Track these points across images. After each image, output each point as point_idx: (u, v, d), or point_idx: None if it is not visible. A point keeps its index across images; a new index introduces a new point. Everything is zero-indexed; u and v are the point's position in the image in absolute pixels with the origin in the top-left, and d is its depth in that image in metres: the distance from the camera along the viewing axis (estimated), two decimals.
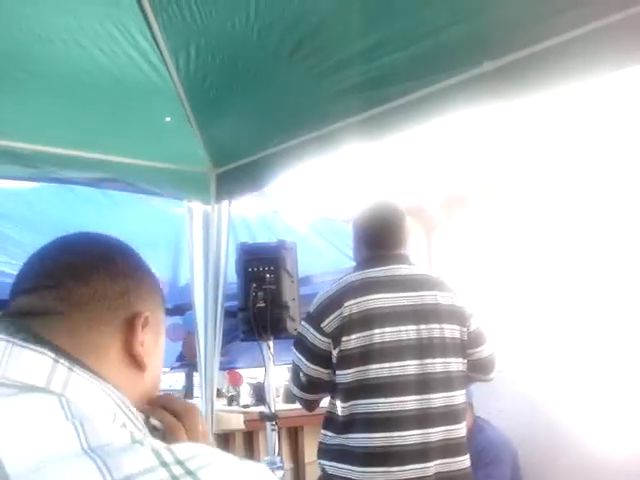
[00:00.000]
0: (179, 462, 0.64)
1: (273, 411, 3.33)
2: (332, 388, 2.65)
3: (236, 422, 3.94)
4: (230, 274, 3.69)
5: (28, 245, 4.64)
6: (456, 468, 2.60)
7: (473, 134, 3.43)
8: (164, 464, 0.63)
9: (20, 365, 0.73)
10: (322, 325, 2.59)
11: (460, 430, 2.63)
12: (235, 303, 3.73)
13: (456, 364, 2.64)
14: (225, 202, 3.62)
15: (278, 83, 2.90)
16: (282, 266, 3.44)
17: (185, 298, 6.13)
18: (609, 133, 3.45)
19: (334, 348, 2.57)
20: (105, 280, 0.88)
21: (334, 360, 2.58)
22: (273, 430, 3.33)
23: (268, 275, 3.41)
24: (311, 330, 2.63)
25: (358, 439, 2.52)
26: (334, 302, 2.61)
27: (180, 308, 6.59)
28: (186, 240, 3.76)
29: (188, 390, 8.45)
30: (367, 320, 2.55)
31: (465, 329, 2.68)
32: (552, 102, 2.82)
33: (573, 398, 3.76)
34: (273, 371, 3.50)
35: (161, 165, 3.41)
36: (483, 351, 2.75)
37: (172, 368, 8.80)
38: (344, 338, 2.54)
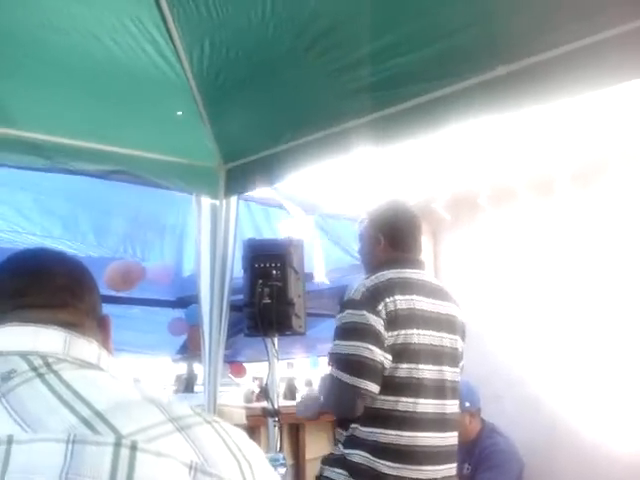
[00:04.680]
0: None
1: (276, 407, 3.33)
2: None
3: (238, 417, 3.95)
4: (236, 268, 3.70)
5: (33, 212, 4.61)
6: (454, 474, 2.65)
7: (483, 134, 3.43)
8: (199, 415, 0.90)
9: (78, 349, 0.98)
10: (377, 308, 2.47)
11: (457, 438, 2.69)
12: (240, 297, 3.74)
13: (459, 375, 2.73)
14: (234, 197, 3.63)
15: (291, 80, 2.90)
16: (289, 263, 3.45)
17: (188, 290, 6.16)
18: (619, 137, 3.44)
19: (387, 334, 2.48)
20: (92, 294, 1.12)
21: (386, 351, 2.48)
22: (275, 426, 3.34)
23: (274, 271, 3.41)
24: (365, 313, 2.48)
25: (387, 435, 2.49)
26: (381, 293, 2.52)
27: (183, 301, 6.62)
28: (191, 226, 3.76)
29: (190, 381, 8.52)
30: (410, 318, 2.53)
31: (464, 345, 2.77)
32: (564, 106, 2.81)
33: (576, 401, 3.77)
34: (277, 367, 3.51)
35: (171, 159, 3.43)
36: (461, 365, 2.81)
37: (174, 359, 8.86)
38: (390, 332, 2.48)
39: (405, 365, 2.50)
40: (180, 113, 3.19)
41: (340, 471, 2.53)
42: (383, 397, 2.50)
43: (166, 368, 10.24)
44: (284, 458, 2.56)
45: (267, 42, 2.70)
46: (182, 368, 9.21)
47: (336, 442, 2.66)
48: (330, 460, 2.62)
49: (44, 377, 0.89)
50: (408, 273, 2.65)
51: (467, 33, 2.24)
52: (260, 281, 3.38)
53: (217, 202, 3.60)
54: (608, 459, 3.56)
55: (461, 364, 2.77)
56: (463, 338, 2.76)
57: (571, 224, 3.84)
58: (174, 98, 3.13)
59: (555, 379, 3.86)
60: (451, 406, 2.63)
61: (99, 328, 1.10)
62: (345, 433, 2.58)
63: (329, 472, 2.57)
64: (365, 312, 2.48)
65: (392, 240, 2.74)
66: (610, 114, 3.19)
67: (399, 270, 2.64)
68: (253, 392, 9.77)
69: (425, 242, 4.53)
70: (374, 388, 2.46)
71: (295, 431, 4.51)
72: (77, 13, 2.57)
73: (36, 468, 0.78)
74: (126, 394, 0.89)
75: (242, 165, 3.51)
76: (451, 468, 2.62)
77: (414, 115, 2.64)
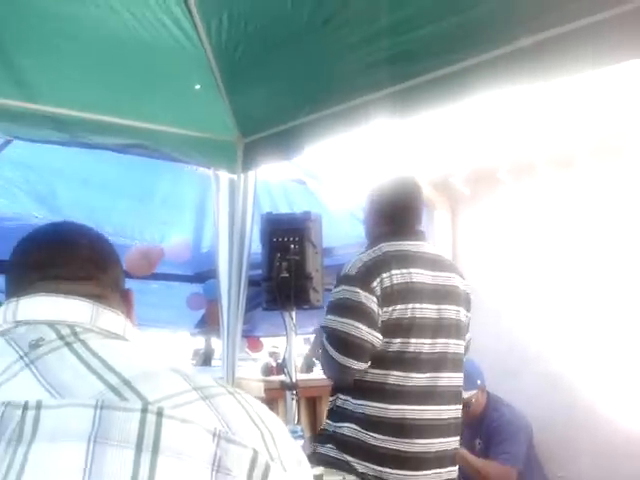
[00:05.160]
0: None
1: (294, 380, 3.35)
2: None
3: (257, 390, 3.98)
4: (254, 243, 3.71)
5: (57, 197, 4.65)
6: (453, 447, 2.64)
7: (502, 109, 3.40)
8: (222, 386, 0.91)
9: (105, 320, 1.00)
10: (372, 285, 2.47)
11: (460, 410, 2.68)
12: (258, 272, 3.76)
13: (463, 347, 2.71)
14: (252, 171, 3.62)
15: (309, 54, 2.89)
16: (307, 237, 3.46)
17: (205, 265, 6.20)
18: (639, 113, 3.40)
19: (381, 311, 2.47)
20: (116, 267, 1.13)
21: (379, 325, 2.48)
22: (293, 399, 3.37)
23: (292, 246, 3.42)
24: (359, 291, 2.48)
25: (387, 409, 2.50)
26: (377, 267, 2.51)
27: (201, 276, 6.67)
28: (210, 203, 3.77)
29: (207, 355, 8.58)
30: (406, 293, 2.51)
31: (469, 314, 2.75)
32: (584, 80, 2.77)
33: (594, 378, 3.76)
34: (295, 341, 3.52)
35: (189, 133, 3.42)
36: (468, 337, 2.81)
37: (192, 334, 8.93)
38: (384, 308, 2.47)
39: (398, 340, 2.49)
40: (198, 87, 3.18)
41: (330, 446, 2.54)
42: (375, 371, 2.51)
43: (184, 342, 10.31)
44: (302, 430, 2.57)
45: (285, 15, 2.68)
46: (200, 342, 9.28)
47: (328, 413, 2.68)
48: (321, 437, 2.64)
49: (72, 346, 0.90)
50: (406, 245, 2.62)
51: (487, 4, 2.21)
52: (278, 255, 3.39)
53: (235, 176, 3.59)
54: (626, 437, 3.56)
55: (468, 335, 2.76)
56: (468, 309, 2.72)
57: (591, 199, 3.80)
58: (192, 71, 3.13)
59: (573, 356, 3.85)
60: (450, 379, 2.60)
61: (122, 301, 1.11)
62: (337, 404, 2.60)
63: (320, 449, 2.58)
64: (359, 289, 2.48)
65: (390, 212, 2.72)
66: (630, 90, 3.14)
67: (397, 242, 2.62)
68: (271, 366, 9.83)
69: (443, 216, 4.55)
70: (360, 366, 2.48)
71: (312, 404, 4.54)
72: None
73: (65, 432, 0.79)
74: (151, 363, 0.91)
75: (260, 139, 3.50)
76: (449, 442, 2.59)
77: (433, 88, 2.61)
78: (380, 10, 2.47)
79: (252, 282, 3.77)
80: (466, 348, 2.80)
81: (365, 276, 2.49)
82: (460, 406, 2.67)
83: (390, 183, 2.79)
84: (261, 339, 9.43)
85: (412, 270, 2.55)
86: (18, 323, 0.95)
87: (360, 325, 2.46)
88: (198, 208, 5.32)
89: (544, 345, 3.95)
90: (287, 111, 3.25)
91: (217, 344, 8.20)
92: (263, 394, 3.97)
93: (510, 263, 4.18)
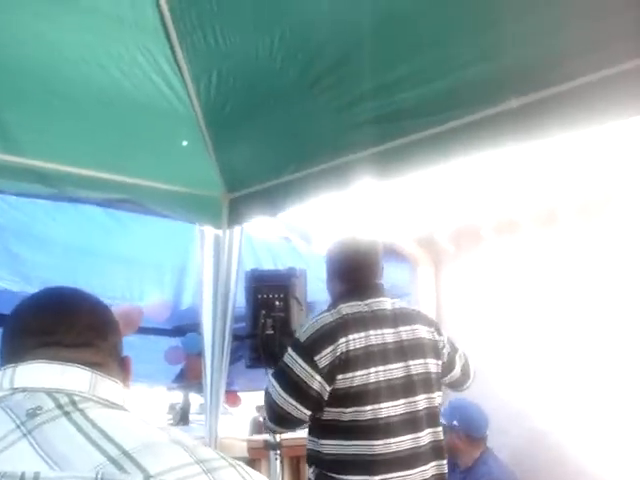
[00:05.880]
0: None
1: (278, 440, 3.30)
2: (315, 425, 2.57)
3: (239, 449, 3.91)
4: (238, 298, 3.69)
5: (34, 263, 4.64)
6: None
7: (486, 167, 3.44)
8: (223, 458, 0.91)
9: (104, 389, 0.99)
10: (315, 358, 2.45)
11: (446, 465, 2.65)
12: (241, 325, 3.73)
13: (438, 398, 2.67)
14: (237, 227, 3.63)
15: (297, 113, 2.92)
16: (292, 294, 3.43)
17: (185, 319, 6.15)
18: (622, 171, 3.46)
19: (327, 385, 2.45)
20: (115, 334, 1.13)
21: (325, 397, 2.47)
22: (276, 459, 3.31)
23: (277, 302, 3.39)
24: (299, 362, 2.48)
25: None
26: (331, 335, 2.48)
27: (180, 329, 6.60)
28: (192, 263, 3.76)
29: (185, 411, 8.43)
30: (365, 359, 2.48)
31: (440, 361, 2.71)
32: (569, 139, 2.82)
33: (584, 436, 3.73)
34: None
35: (175, 188, 3.42)
36: (455, 374, 2.85)
37: (169, 388, 8.79)
38: (340, 376, 2.44)
39: (368, 407, 2.46)
40: (185, 143, 3.20)
41: None
42: (349, 442, 2.48)
43: (159, 397, 10.14)
44: None
45: (274, 75, 2.72)
46: (176, 397, 9.13)
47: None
48: None
49: (70, 415, 0.89)
50: (364, 306, 2.60)
51: (476, 67, 2.25)
52: (263, 312, 3.36)
53: (220, 232, 3.59)
54: None
55: (445, 379, 2.78)
56: (438, 357, 2.68)
57: (574, 257, 3.84)
58: (180, 128, 3.15)
59: (561, 413, 3.83)
60: (427, 436, 2.57)
61: (120, 368, 1.11)
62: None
63: None
64: (302, 362, 2.48)
65: (345, 271, 2.73)
66: (614, 148, 3.20)
67: (355, 302, 2.61)
68: (259, 420, 9.64)
69: (427, 272, 4.57)
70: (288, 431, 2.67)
71: (296, 463, 4.46)
72: (85, 43, 2.59)
73: None
74: (153, 435, 0.90)
75: (245, 195, 3.51)
76: None
77: (419, 148, 2.64)
78: (367, 73, 2.51)
79: (233, 336, 3.73)
80: (452, 385, 2.90)
81: (313, 347, 2.48)
82: (445, 461, 2.63)
83: (344, 242, 2.81)
84: (239, 394, 9.31)
85: (371, 332, 2.52)
86: (15, 390, 0.93)
87: (297, 404, 2.48)
88: (178, 268, 5.30)
89: (531, 402, 3.94)
90: (273, 168, 3.27)
91: (194, 399, 8.07)
92: (246, 454, 3.90)
93: (494, 319, 4.19)
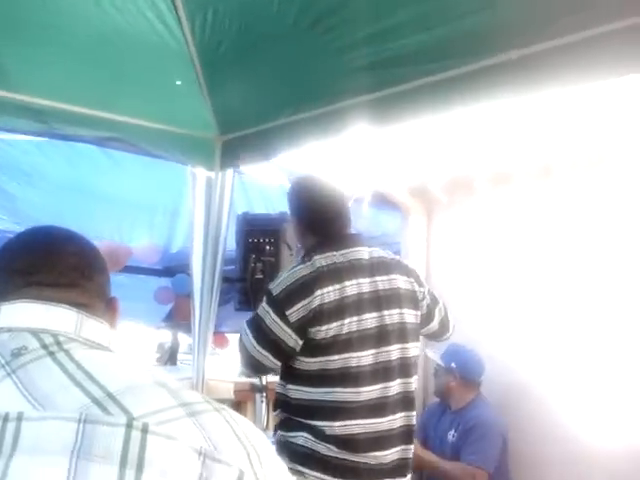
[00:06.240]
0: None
1: (264, 383, 3.34)
2: (285, 371, 2.59)
3: (226, 391, 3.95)
4: (229, 242, 3.69)
5: (24, 201, 4.63)
6: (409, 456, 2.64)
7: (482, 118, 3.41)
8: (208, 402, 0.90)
9: (90, 329, 0.98)
10: (287, 312, 2.44)
11: (414, 417, 2.67)
12: (231, 267, 3.73)
13: (414, 349, 2.65)
14: (229, 170, 3.60)
15: (293, 55, 2.86)
16: (282, 238, 3.44)
17: (174, 261, 6.17)
18: (618, 125, 3.43)
19: (299, 338, 2.46)
20: (102, 274, 1.10)
21: (297, 349, 2.48)
22: (262, 402, 3.35)
23: (268, 247, 3.40)
24: (271, 315, 2.47)
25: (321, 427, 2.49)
26: (304, 288, 2.46)
27: (170, 270, 6.62)
28: (185, 205, 3.74)
29: (173, 351, 8.51)
30: (339, 310, 2.46)
31: (419, 312, 2.70)
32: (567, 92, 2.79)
33: (564, 389, 3.78)
34: None
35: (168, 128, 3.39)
36: (432, 327, 2.85)
37: (158, 327, 8.86)
38: (313, 329, 2.44)
39: (337, 356, 2.45)
40: (179, 82, 3.15)
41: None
42: (319, 389, 2.48)
43: (148, 335, 10.21)
44: (273, 436, 2.56)
45: (272, 16, 2.65)
46: (164, 336, 9.20)
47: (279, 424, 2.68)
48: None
49: (55, 355, 0.89)
50: (339, 256, 2.56)
51: (478, 16, 2.21)
52: (253, 256, 3.37)
53: (212, 174, 3.57)
54: (596, 449, 3.57)
55: (423, 330, 2.77)
56: (416, 307, 2.67)
57: (567, 210, 3.83)
58: (174, 67, 3.09)
59: (545, 365, 3.86)
60: (401, 385, 2.58)
61: (107, 309, 1.09)
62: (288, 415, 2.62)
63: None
64: (274, 317, 2.47)
65: (316, 223, 2.67)
66: (611, 103, 3.17)
67: (330, 253, 2.56)
68: None
69: (418, 221, 4.56)
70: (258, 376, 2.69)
71: None
72: None
73: (47, 446, 0.78)
74: (137, 377, 0.89)
75: (239, 138, 3.48)
76: (405, 450, 2.60)
77: (417, 96, 2.61)
78: (367, 17, 2.45)
79: (224, 278, 3.74)
80: (432, 335, 2.92)
81: (285, 301, 2.46)
82: (408, 412, 2.62)
83: (311, 189, 2.72)
84: (227, 335, 9.39)
85: (346, 283, 2.49)
86: (0, 330, 0.93)
87: (268, 354, 2.50)
88: (170, 211, 5.28)
89: (515, 354, 3.97)
90: (268, 111, 3.23)
91: (182, 339, 8.15)
92: (232, 396, 3.94)
93: (484, 270, 4.20)
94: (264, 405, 3.33)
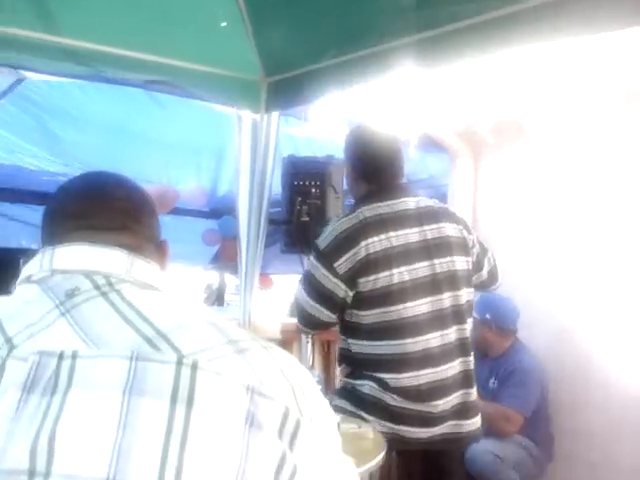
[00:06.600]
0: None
1: None
2: (343, 325, 2.62)
3: (272, 331, 4.00)
4: (274, 185, 3.69)
5: (72, 143, 4.66)
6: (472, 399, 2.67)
7: (532, 61, 3.32)
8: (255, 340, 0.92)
9: (140, 270, 0.99)
10: (334, 265, 2.49)
11: (472, 361, 2.68)
12: (276, 209, 3.74)
13: (467, 294, 2.66)
14: (275, 113, 3.58)
15: None
16: (328, 181, 3.43)
17: (221, 203, 6.21)
18: None
19: (349, 290, 2.50)
20: (151, 218, 1.12)
21: (349, 301, 2.52)
22: (308, 342, 3.39)
23: (314, 190, 3.40)
24: (320, 268, 2.52)
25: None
26: (350, 240, 2.50)
27: (216, 212, 6.67)
28: (231, 148, 3.73)
29: (221, 291, 8.64)
30: (386, 260, 2.48)
31: (470, 259, 2.70)
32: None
33: (606, 334, 3.76)
34: None
35: (213, 70, 3.36)
36: (482, 275, 2.83)
37: (205, 269, 8.98)
38: (362, 279, 2.47)
39: (392, 307, 2.48)
40: (224, 24, 3.12)
41: (347, 402, 2.59)
42: (374, 342, 2.52)
43: (196, 277, 10.36)
44: (318, 375, 2.61)
45: None
46: (212, 277, 9.33)
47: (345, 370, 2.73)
48: (340, 392, 2.69)
49: (107, 296, 0.91)
50: (386, 207, 2.58)
51: None
52: (299, 199, 3.38)
53: (258, 117, 3.55)
54: (636, 391, 3.57)
55: (474, 278, 2.74)
56: (467, 254, 2.67)
57: (619, 153, 3.75)
58: (219, 8, 3.07)
59: (588, 311, 3.84)
60: (454, 333, 2.59)
61: (157, 252, 1.11)
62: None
63: (337, 401, 2.62)
64: (322, 269, 2.51)
65: (364, 173, 2.68)
66: None
67: (377, 204, 2.58)
68: None
69: (466, 164, 4.51)
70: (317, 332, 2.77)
71: (327, 347, 4.58)
72: None
73: (100, 383, 0.80)
74: (187, 315, 0.92)
75: (284, 79, 3.43)
76: (468, 393, 2.63)
77: (465, 37, 2.52)
78: None
79: (269, 220, 3.76)
80: (481, 285, 2.87)
81: (332, 254, 2.50)
82: (472, 357, 2.66)
83: (367, 139, 2.72)
84: (271, 277, 9.47)
85: (392, 233, 2.51)
86: (54, 272, 0.95)
87: (321, 307, 2.54)
88: (216, 154, 5.29)
89: (559, 299, 3.95)
90: (313, 53, 3.18)
91: (229, 280, 8.24)
92: (279, 336, 4.00)
93: (531, 214, 4.16)
94: (309, 345, 3.37)
